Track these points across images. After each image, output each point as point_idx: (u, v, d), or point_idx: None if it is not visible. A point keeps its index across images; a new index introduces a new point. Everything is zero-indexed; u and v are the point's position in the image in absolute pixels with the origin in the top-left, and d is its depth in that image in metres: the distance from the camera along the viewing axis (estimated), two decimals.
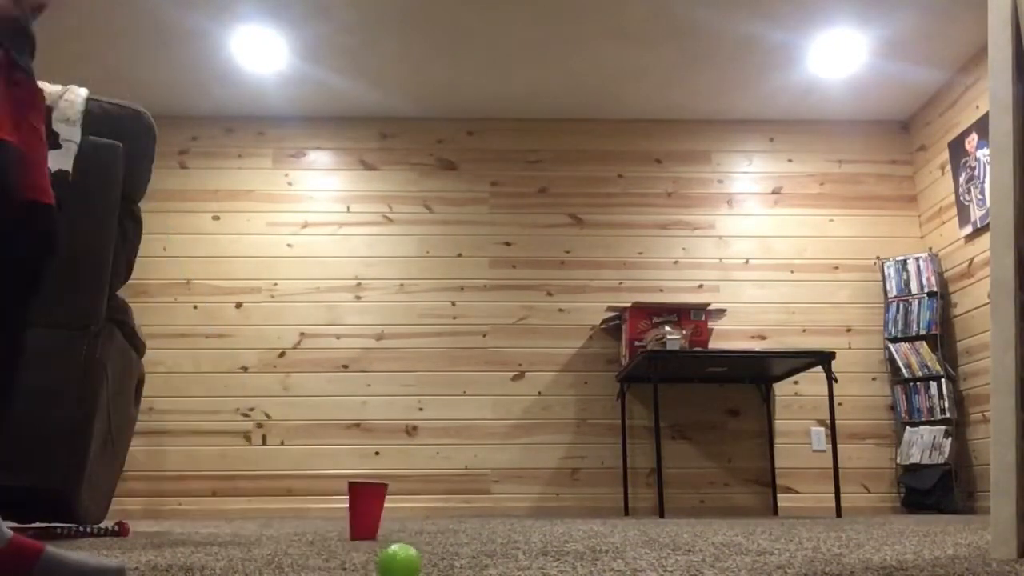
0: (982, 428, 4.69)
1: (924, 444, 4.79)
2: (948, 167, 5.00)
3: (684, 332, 4.53)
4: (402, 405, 5.02)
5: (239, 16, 4.37)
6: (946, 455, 4.67)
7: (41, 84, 2.34)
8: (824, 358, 4.26)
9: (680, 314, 4.70)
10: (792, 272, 5.28)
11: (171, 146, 5.33)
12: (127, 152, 2.38)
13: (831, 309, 5.23)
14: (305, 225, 5.26)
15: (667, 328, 4.57)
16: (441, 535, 2.35)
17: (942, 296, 4.97)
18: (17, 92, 1.34)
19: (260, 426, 4.95)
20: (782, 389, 5.09)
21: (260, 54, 4.71)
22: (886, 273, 5.17)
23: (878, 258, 5.29)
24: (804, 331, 5.18)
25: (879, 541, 1.97)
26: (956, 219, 4.91)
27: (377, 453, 4.93)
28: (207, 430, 4.95)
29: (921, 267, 5.02)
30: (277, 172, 5.35)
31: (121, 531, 2.46)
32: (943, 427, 4.76)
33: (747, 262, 5.29)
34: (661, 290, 5.23)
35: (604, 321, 5.12)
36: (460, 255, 5.25)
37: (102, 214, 2.32)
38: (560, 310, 5.19)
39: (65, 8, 4.28)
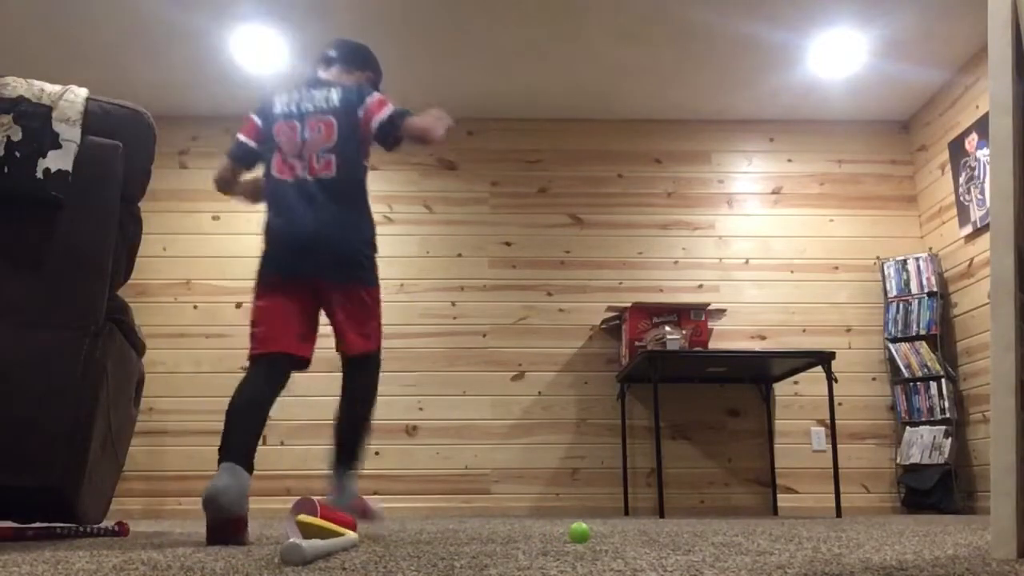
0: (982, 428, 4.69)
1: (924, 444, 4.79)
2: (948, 167, 5.00)
3: (684, 332, 4.53)
4: (402, 405, 5.01)
5: (239, 16, 4.37)
6: (946, 455, 4.67)
7: (41, 84, 2.34)
8: (824, 358, 4.26)
9: (680, 314, 4.70)
10: (792, 272, 5.28)
11: (171, 146, 5.32)
12: (127, 152, 2.38)
13: (831, 309, 5.23)
14: None
15: (667, 328, 4.57)
16: (441, 535, 2.35)
17: (942, 296, 4.97)
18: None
19: None
20: (782, 389, 5.09)
21: (260, 54, 4.71)
22: (886, 273, 5.16)
23: (878, 258, 5.28)
24: (804, 331, 5.18)
25: (879, 541, 1.96)
26: (956, 219, 4.91)
27: (377, 453, 4.93)
28: (207, 430, 4.94)
29: (921, 267, 5.02)
30: None
31: (121, 531, 2.46)
32: (943, 427, 4.76)
33: (747, 262, 5.29)
34: (661, 290, 5.23)
35: (604, 321, 5.11)
36: (460, 255, 5.25)
37: (102, 214, 2.32)
38: (560, 310, 5.19)
39: (65, 9, 4.28)
